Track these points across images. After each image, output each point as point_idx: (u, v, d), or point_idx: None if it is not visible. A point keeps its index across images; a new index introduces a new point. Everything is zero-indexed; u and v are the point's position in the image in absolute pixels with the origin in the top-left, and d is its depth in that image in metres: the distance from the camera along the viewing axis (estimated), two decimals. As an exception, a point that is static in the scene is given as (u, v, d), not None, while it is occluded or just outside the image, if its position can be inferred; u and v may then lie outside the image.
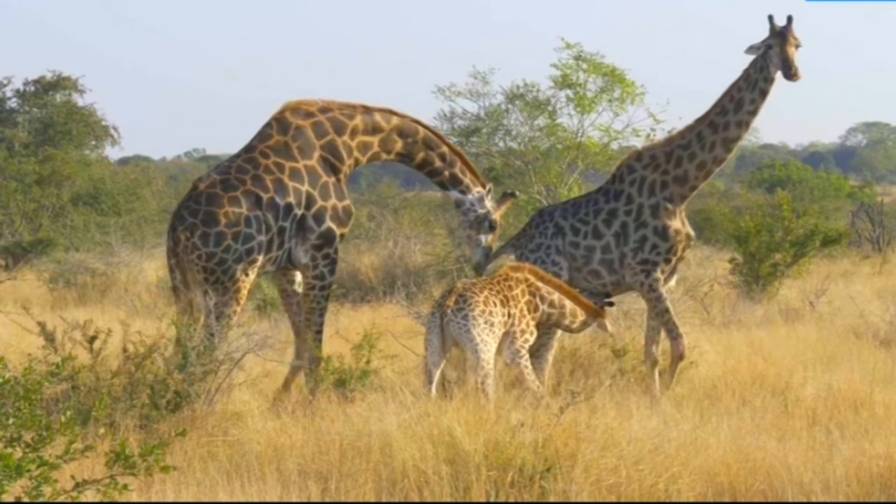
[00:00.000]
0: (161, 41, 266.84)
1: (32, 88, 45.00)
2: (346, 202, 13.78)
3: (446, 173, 14.16)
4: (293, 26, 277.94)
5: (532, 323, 12.64)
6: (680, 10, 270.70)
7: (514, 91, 25.07)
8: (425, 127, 14.20)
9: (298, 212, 13.48)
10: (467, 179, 14.20)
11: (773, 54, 13.21)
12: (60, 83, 44.88)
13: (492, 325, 12.20)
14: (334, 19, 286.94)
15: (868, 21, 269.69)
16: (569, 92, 24.57)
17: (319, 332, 13.66)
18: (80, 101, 45.05)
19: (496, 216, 14.20)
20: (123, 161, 61.91)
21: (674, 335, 13.46)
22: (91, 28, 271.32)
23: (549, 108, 24.87)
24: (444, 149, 14.17)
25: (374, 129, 13.95)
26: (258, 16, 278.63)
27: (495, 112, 25.14)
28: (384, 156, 14.09)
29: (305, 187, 13.53)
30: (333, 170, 13.72)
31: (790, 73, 13.19)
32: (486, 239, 14.16)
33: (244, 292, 13.23)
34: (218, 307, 12.94)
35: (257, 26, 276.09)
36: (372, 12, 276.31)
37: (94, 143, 45.12)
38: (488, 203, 14.19)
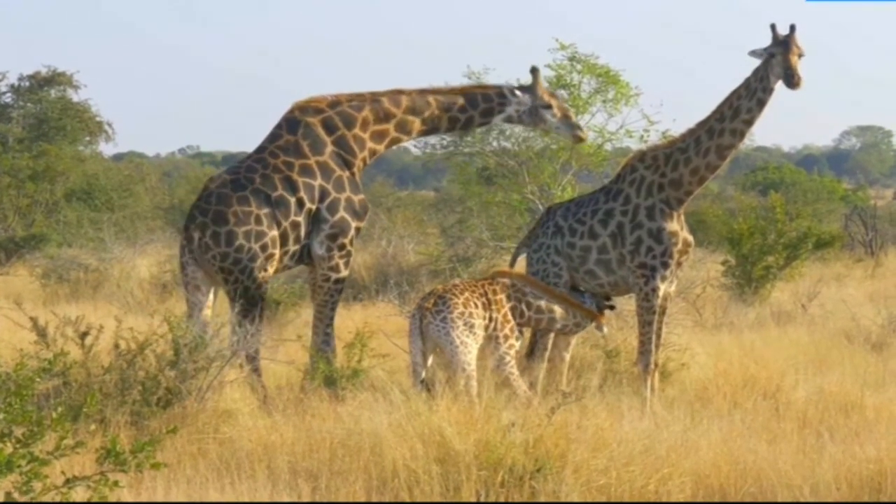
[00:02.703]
0: (157, 39, 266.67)
1: (27, 84, 44.91)
2: (361, 196, 13.75)
3: (475, 117, 14.10)
4: (289, 25, 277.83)
5: (517, 329, 12.56)
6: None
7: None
8: (435, 92, 14.05)
9: (312, 206, 13.47)
10: (494, 102, 14.09)
11: (776, 63, 13.11)
12: (55, 79, 44.81)
13: (472, 326, 12.13)
14: (330, 18, 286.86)
15: (864, 24, 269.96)
16: (563, 92, 24.54)
17: (329, 325, 13.66)
18: (75, 96, 45.03)
19: (540, 95, 14.03)
20: (117, 157, 61.77)
21: (644, 349, 13.33)
22: (86, 25, 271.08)
23: (544, 109, 24.82)
24: (461, 101, 14.03)
25: (386, 116, 13.88)
26: (255, 14, 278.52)
27: (489, 111, 25.09)
28: (405, 137, 14.04)
29: (318, 182, 13.51)
30: (346, 164, 13.72)
31: (792, 82, 13.11)
32: (553, 119, 14.06)
33: (265, 288, 13.25)
34: (243, 305, 13.00)
35: (253, 25, 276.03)
36: (365, 10, 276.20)
37: (88, 138, 45.04)
38: (521, 97, 14.06)
